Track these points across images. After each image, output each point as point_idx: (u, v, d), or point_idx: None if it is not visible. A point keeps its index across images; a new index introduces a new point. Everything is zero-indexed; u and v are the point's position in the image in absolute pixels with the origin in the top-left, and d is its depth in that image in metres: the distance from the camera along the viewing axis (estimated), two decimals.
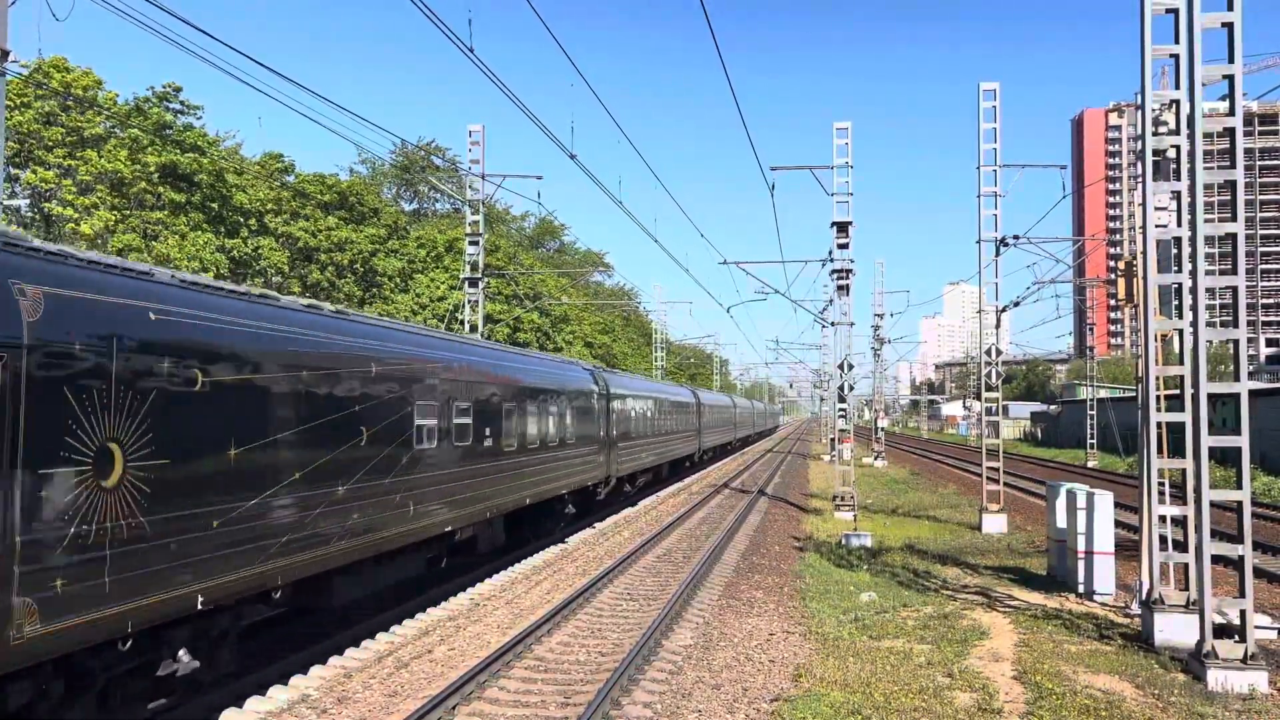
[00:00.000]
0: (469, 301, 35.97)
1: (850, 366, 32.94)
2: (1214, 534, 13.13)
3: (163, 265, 33.93)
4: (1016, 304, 33.26)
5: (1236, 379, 12.86)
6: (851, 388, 33.63)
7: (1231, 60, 13.09)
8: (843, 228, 30.53)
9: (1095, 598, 17.53)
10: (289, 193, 47.11)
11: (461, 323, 36.70)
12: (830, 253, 31.29)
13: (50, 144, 34.07)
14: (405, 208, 75.69)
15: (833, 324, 34.56)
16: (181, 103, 39.34)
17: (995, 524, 27.90)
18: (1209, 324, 13.20)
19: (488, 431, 18.68)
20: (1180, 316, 14.30)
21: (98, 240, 34.32)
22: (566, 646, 14.31)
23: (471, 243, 35.87)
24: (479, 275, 35.67)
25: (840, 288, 31.60)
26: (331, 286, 47.66)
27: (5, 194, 15.97)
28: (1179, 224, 14.40)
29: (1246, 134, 14.05)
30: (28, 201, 33.42)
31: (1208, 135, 13.59)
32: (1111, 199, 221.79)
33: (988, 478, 29.04)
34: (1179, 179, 14.38)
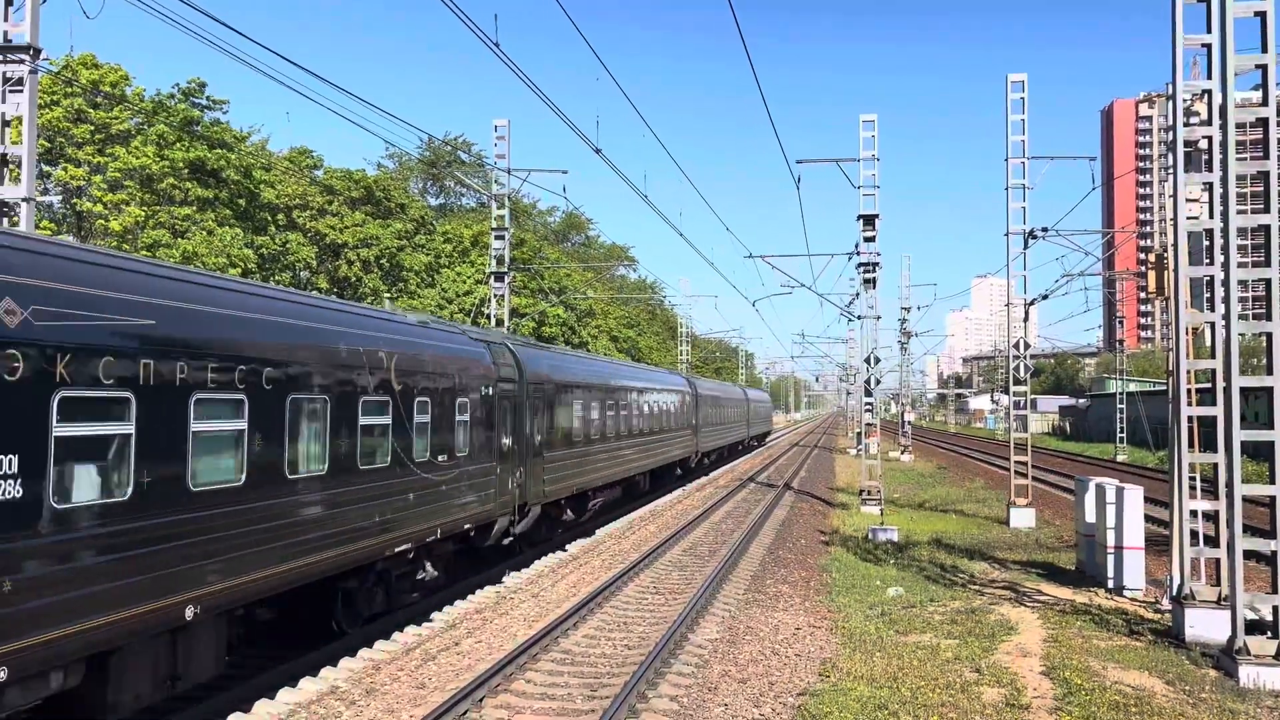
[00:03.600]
0: (495, 296, 36.06)
1: (877, 360, 32.80)
2: (1246, 529, 12.99)
3: (191, 261, 34.31)
4: (1045, 297, 32.95)
5: (1269, 373, 12.69)
6: (878, 381, 33.49)
7: (1264, 49, 12.92)
8: (869, 221, 30.39)
9: (1125, 593, 17.38)
10: (317, 188, 47.38)
11: (487, 317, 36.78)
12: (856, 246, 31.18)
13: (80, 141, 34.42)
14: (432, 202, 75.98)
15: (859, 318, 34.42)
16: (207, 98, 39.64)
17: (1023, 518, 27.71)
18: (1241, 317, 13.04)
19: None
20: (1212, 309, 14.14)
21: (127, 237, 34.66)
22: (592, 640, 14.34)
23: (497, 237, 35.94)
24: (505, 270, 35.74)
25: (866, 281, 31.46)
26: (358, 281, 47.92)
27: (38, 191, 16.14)
28: (1211, 216, 14.22)
29: None
30: (60, 199, 33.77)
31: (1240, 125, 13.42)
32: (1142, 191, 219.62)
33: (1016, 472, 28.84)
34: (1211, 170, 14.20)
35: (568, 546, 23.58)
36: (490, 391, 18.41)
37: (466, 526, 17.35)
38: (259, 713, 10.88)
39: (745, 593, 17.93)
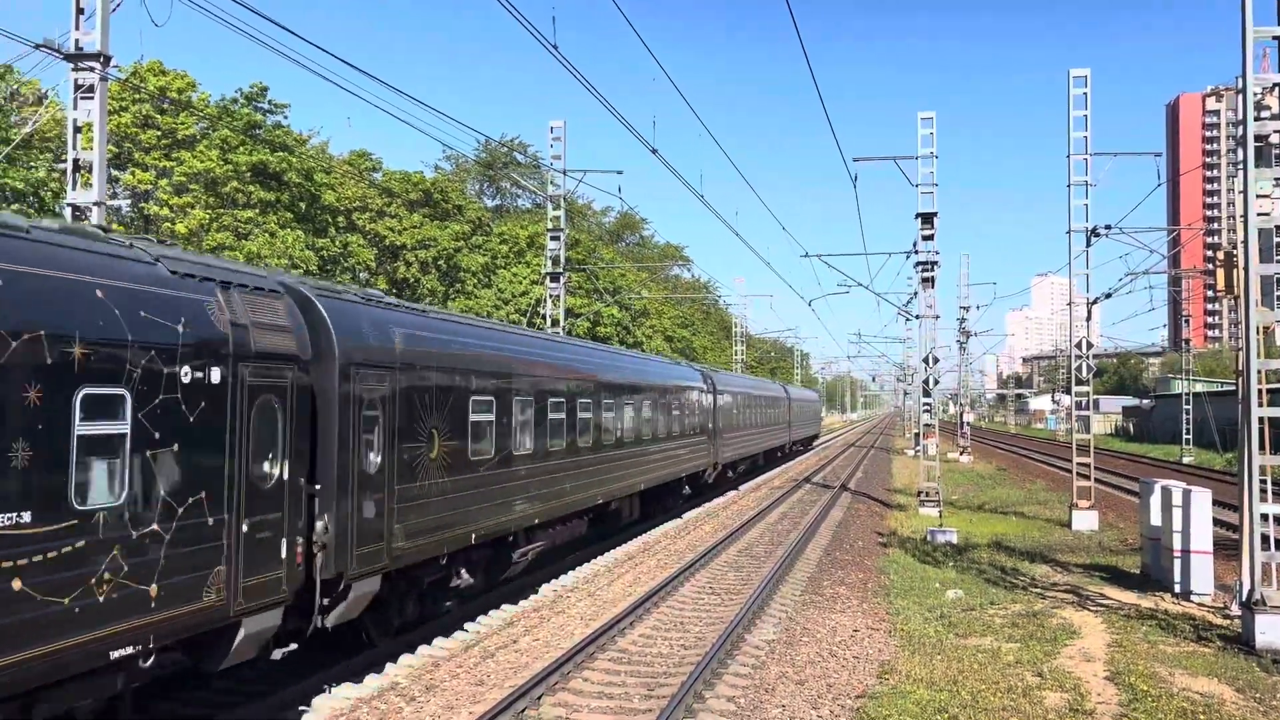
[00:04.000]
0: (550, 296, 36.25)
1: (935, 360, 32.43)
2: None
3: (253, 263, 34.93)
4: (1108, 296, 32.35)
5: None
6: (936, 382, 33.13)
7: None
8: (927, 219, 30.06)
9: (1192, 598, 17.01)
10: (376, 190, 47.99)
11: (543, 317, 36.99)
12: (914, 245, 30.83)
13: (147, 146, 35.22)
14: (488, 204, 76.58)
15: (917, 317, 34.06)
16: (269, 102, 40.33)
17: (1086, 521, 27.24)
18: None
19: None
20: None
21: (192, 239, 35.39)
22: (649, 639, 14.36)
23: (553, 238, 36.15)
24: (560, 270, 35.93)
25: (925, 280, 31.12)
26: (416, 282, 48.45)
27: (107, 195, 16.55)
28: None
29: None
30: (128, 202, 34.56)
31: None
32: (1209, 187, 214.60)
33: (1078, 473, 28.34)
34: None
35: (611, 552, 23.64)
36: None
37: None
38: (321, 707, 11.05)
39: (802, 594, 17.83)
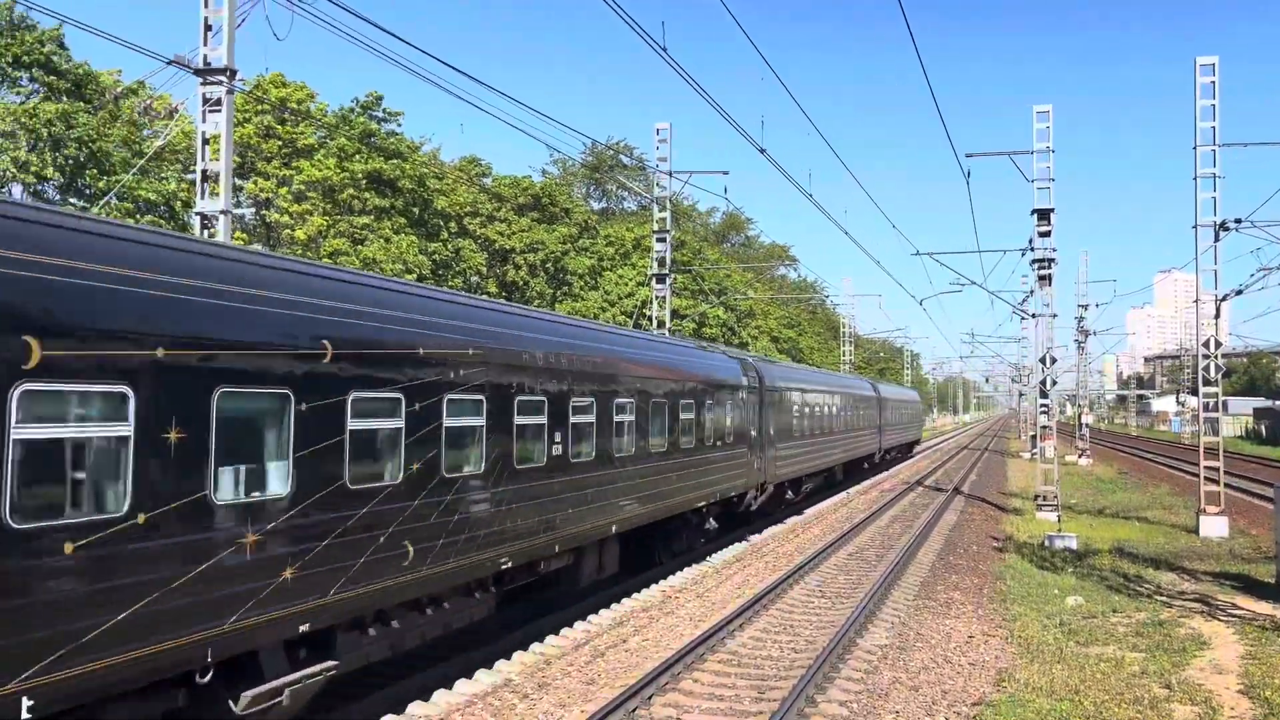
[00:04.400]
0: (656, 298, 36.37)
1: (1052, 360, 31.52)
2: None
3: (368, 268, 35.91)
4: (1238, 293, 30.90)
5: None
6: (1054, 382, 32.17)
7: None
8: (1043, 215, 29.23)
9: None
10: (486, 195, 48.85)
11: (649, 319, 37.13)
12: (1030, 241, 30.01)
13: (268, 155, 36.52)
14: (594, 206, 77.23)
15: (1033, 316, 33.14)
16: (384, 110, 41.40)
17: (1214, 527, 26.11)
18: None
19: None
20: None
21: (310, 245, 36.57)
22: (759, 642, 14.29)
23: (659, 239, 36.25)
24: (666, 271, 36.01)
25: (1041, 278, 30.26)
26: (525, 285, 49.14)
27: (232, 204, 17.21)
28: None
29: None
30: (252, 210, 35.90)
31: None
32: None
33: (1206, 477, 27.18)
34: None
35: (711, 557, 23.56)
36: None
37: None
38: (439, 702, 11.29)
39: (915, 598, 17.52)
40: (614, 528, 16.23)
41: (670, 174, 35.18)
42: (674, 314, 47.29)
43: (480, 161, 51.13)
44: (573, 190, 71.57)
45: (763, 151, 23.05)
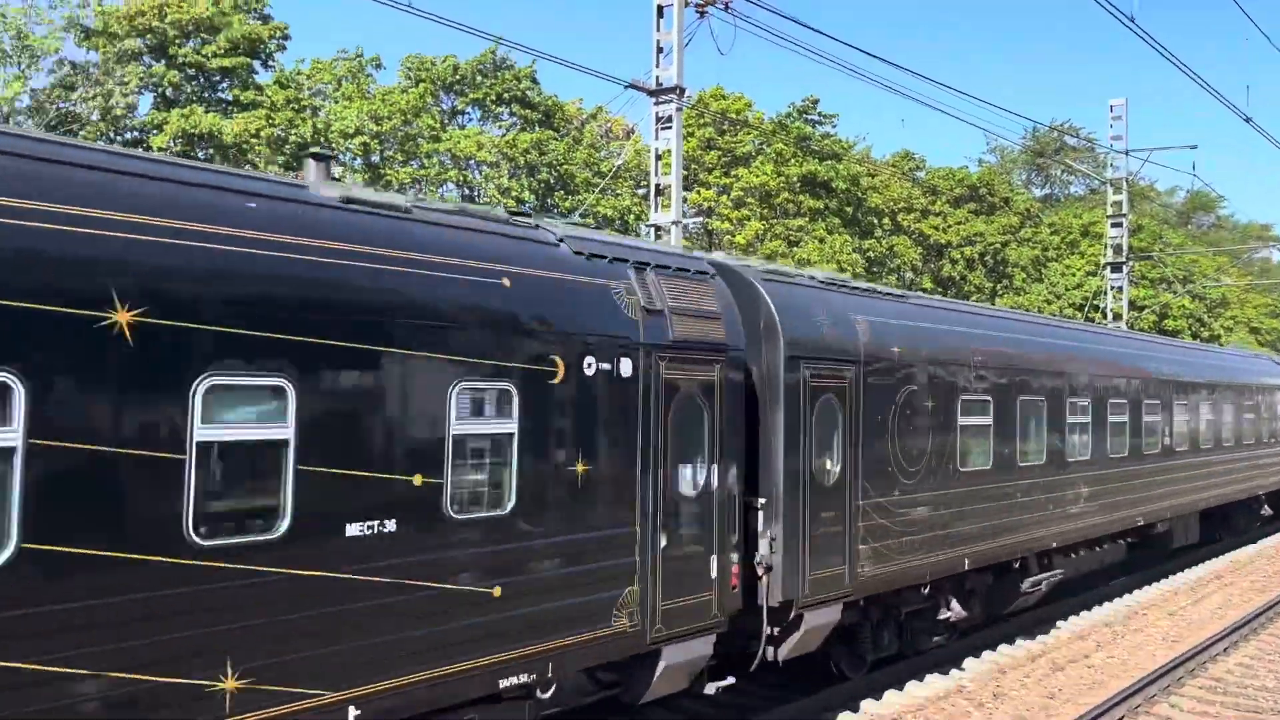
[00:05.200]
0: (1111, 288, 33.68)
1: None
2: None
3: (804, 268, 36.50)
4: None
5: None
6: None
7: None
8: None
9: None
10: (919, 189, 47.94)
11: (1102, 311, 34.44)
12: None
13: (709, 166, 38.38)
14: (1036, 193, 72.95)
15: None
16: (820, 114, 41.95)
17: None
18: None
19: None
20: None
21: (749, 248, 37.95)
22: (1248, 669, 12.79)
23: (1113, 224, 33.59)
24: (1122, 259, 33.24)
25: None
26: (962, 280, 47.57)
27: (682, 214, 18.37)
28: None
29: None
30: (700, 220, 38.01)
31: None
32: None
33: None
34: None
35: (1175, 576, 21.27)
36: None
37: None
38: (890, 702, 11.26)
39: None
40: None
41: (1126, 153, 32.48)
42: (1130, 305, 43.49)
43: (914, 156, 50.22)
44: (1012, 178, 68.14)
45: (1248, 120, 20.59)
